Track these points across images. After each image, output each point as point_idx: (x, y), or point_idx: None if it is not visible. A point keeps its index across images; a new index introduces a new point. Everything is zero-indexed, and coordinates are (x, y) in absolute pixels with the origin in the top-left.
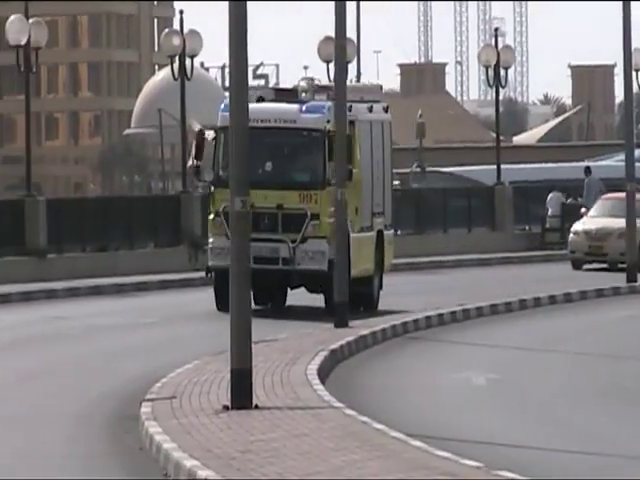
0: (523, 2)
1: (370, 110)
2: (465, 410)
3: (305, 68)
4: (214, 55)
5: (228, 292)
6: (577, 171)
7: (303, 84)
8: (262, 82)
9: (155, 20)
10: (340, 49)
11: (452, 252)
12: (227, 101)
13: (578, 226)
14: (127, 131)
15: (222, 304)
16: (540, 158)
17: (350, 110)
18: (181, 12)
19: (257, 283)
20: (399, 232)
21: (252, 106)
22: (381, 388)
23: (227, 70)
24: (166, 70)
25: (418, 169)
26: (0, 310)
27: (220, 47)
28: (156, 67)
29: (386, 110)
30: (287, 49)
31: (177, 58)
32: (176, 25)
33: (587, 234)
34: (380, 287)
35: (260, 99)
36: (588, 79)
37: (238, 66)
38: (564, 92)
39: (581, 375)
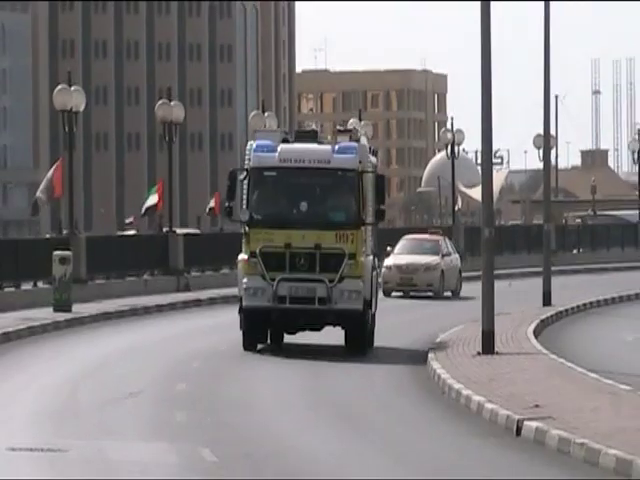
0: None
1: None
2: (621, 356)
3: (525, 152)
4: (472, 142)
5: (258, 333)
6: None
7: (313, 127)
8: (499, 161)
9: (436, 123)
10: (546, 143)
11: (600, 262)
12: (260, 141)
13: (389, 261)
14: (419, 189)
15: (251, 343)
16: None
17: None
18: (452, 118)
19: (291, 323)
20: (581, 250)
21: (285, 147)
22: (571, 341)
23: (479, 153)
24: (442, 153)
25: (592, 213)
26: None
27: (476, 136)
28: (436, 150)
29: (375, 153)
30: (515, 137)
31: (449, 146)
32: (449, 124)
33: (398, 268)
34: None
35: (285, 140)
36: None
37: (486, 151)
38: None
39: None
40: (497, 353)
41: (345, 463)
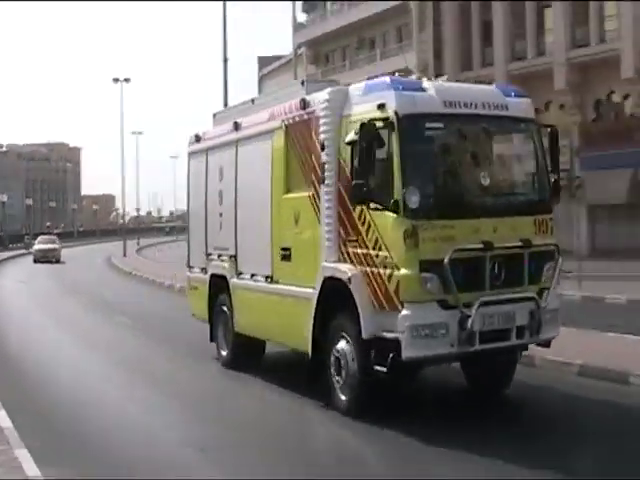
0: None
1: None
2: None
3: None
4: None
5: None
6: None
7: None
8: None
9: None
10: None
11: None
12: (393, 77)
13: (37, 247)
14: None
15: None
16: None
17: None
18: None
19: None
20: None
21: (442, 84)
22: None
23: None
24: None
25: None
26: None
27: None
28: None
29: None
30: None
31: None
32: None
33: (41, 250)
34: None
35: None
36: None
37: None
38: None
39: None
40: None
41: None
